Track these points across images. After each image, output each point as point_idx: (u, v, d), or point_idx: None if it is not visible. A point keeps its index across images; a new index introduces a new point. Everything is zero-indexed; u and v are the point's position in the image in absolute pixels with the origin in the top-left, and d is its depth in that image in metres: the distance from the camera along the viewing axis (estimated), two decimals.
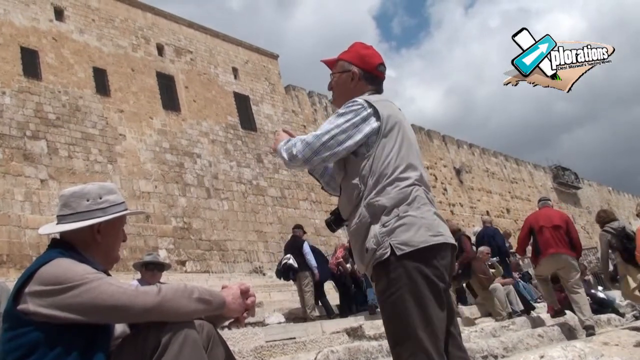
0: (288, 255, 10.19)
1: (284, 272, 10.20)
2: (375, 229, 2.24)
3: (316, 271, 10.11)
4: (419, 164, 2.40)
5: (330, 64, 2.63)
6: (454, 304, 2.51)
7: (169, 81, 21.00)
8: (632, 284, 7.29)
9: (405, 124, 2.45)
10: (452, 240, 2.31)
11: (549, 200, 8.23)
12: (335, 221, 2.59)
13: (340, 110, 2.37)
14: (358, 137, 2.30)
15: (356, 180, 2.33)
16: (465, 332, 6.12)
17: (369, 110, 2.34)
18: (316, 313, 9.96)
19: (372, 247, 2.23)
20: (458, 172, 34.00)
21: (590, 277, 12.52)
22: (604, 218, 7.68)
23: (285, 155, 2.40)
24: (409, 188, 2.28)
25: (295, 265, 10.00)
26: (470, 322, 8.42)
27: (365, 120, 2.32)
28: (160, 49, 21.39)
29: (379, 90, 2.54)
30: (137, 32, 20.85)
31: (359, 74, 2.52)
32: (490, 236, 10.83)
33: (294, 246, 10.34)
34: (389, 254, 2.17)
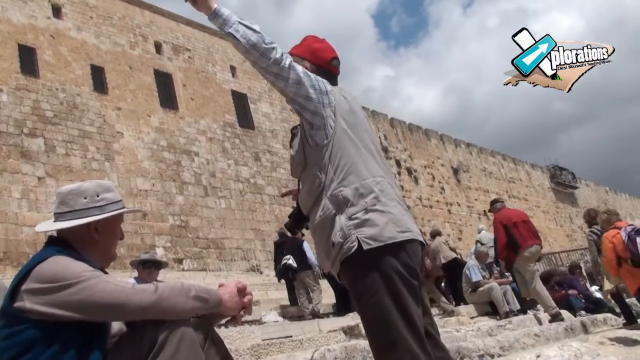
0: (288, 256, 10.28)
1: (284, 271, 10.31)
2: (342, 220, 2.14)
3: (317, 269, 10.19)
4: (380, 158, 2.32)
5: None
6: (427, 300, 2.41)
7: (167, 79, 20.97)
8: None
9: (361, 116, 2.38)
10: (421, 237, 2.22)
11: (504, 201, 8.93)
12: (295, 223, 2.49)
13: None
14: (313, 86, 2.22)
15: (316, 170, 2.23)
16: (462, 331, 6.12)
17: (327, 88, 2.27)
18: (308, 312, 10.01)
19: (338, 240, 2.13)
20: (456, 171, 34.05)
21: (585, 277, 12.55)
22: (593, 218, 7.81)
23: (254, 34, 2.14)
24: (374, 179, 2.20)
25: (295, 265, 10.10)
26: (466, 321, 8.43)
27: (324, 92, 2.25)
28: (158, 47, 21.37)
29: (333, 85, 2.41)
30: (135, 30, 20.82)
31: (310, 69, 2.38)
32: None
33: (294, 246, 10.39)
34: (356, 247, 2.08)
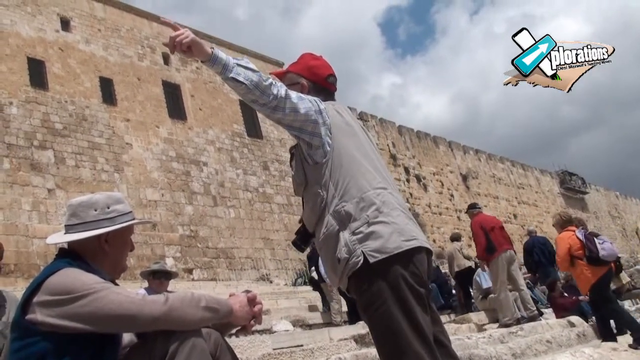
0: (313, 268, 10.48)
1: (310, 283, 10.60)
2: (345, 236, 2.15)
3: None
4: (380, 168, 2.32)
5: (279, 76, 2.51)
6: (435, 308, 2.38)
7: (175, 90, 21.07)
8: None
9: (357, 128, 2.38)
10: (427, 244, 2.21)
11: (480, 207, 9.47)
12: (301, 239, 2.48)
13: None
14: (310, 107, 2.22)
15: (317, 188, 2.24)
16: (473, 338, 6.09)
17: (321, 106, 2.28)
18: (340, 319, 10.05)
19: (344, 256, 2.13)
20: (465, 178, 33.95)
21: None
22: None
23: (254, 74, 2.14)
24: (375, 191, 2.20)
25: (317, 277, 10.22)
26: (478, 328, 8.38)
27: (318, 111, 2.25)
28: (166, 58, 21.46)
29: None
30: (143, 42, 20.95)
31: (307, 86, 2.43)
32: (542, 244, 11.25)
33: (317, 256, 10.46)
34: (362, 261, 2.08)
